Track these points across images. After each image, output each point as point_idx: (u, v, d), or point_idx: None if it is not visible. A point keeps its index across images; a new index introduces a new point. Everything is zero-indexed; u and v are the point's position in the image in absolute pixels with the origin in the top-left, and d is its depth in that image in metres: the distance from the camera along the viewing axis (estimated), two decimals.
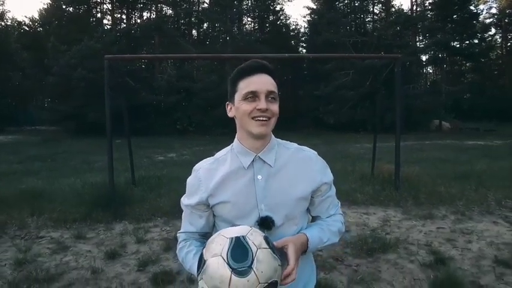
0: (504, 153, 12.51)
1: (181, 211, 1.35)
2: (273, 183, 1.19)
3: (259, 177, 1.19)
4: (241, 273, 0.91)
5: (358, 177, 6.99)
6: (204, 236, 1.29)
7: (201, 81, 24.64)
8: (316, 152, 1.30)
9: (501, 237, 4.15)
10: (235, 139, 1.25)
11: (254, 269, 0.91)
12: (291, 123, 24.21)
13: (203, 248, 1.03)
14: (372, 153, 7.28)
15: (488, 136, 20.32)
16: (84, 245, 4.15)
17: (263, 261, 0.93)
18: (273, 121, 1.18)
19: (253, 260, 0.92)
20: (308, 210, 1.30)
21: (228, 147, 1.27)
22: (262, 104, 1.13)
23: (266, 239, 0.99)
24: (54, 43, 22.48)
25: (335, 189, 1.33)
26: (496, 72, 39.36)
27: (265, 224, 1.11)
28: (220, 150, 1.31)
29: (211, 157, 1.29)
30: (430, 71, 42.70)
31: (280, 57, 11.70)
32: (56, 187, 6.66)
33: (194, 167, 1.28)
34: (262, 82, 1.16)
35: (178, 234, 1.34)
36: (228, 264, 0.92)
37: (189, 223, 1.30)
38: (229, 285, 0.91)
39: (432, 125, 26.69)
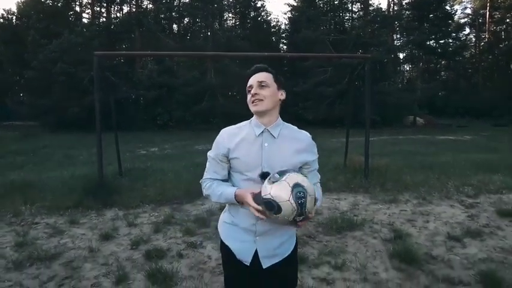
0: (471, 146, 13.30)
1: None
2: (274, 150, 1.67)
3: (266, 144, 1.67)
4: (300, 214, 1.45)
5: (332, 168, 7.46)
6: (224, 181, 1.77)
7: (182, 77, 24.75)
8: (311, 136, 1.79)
9: (455, 217, 4.69)
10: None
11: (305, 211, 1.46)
12: None
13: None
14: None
15: (459, 132, 21.21)
16: (78, 229, 4.43)
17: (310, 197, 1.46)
18: (267, 102, 1.66)
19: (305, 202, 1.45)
20: None
21: (248, 121, 1.76)
22: (253, 90, 1.68)
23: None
24: (34, 37, 22.20)
25: (318, 166, 1.83)
26: (469, 71, 40.82)
27: (264, 176, 1.55)
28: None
29: (236, 125, 1.77)
30: (407, 68, 43.91)
31: (259, 56, 12.06)
32: (45, 179, 6.86)
33: (222, 130, 1.77)
34: (256, 77, 1.70)
35: (202, 180, 1.81)
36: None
37: (214, 172, 1.77)
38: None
39: (407, 120, 27.54)
